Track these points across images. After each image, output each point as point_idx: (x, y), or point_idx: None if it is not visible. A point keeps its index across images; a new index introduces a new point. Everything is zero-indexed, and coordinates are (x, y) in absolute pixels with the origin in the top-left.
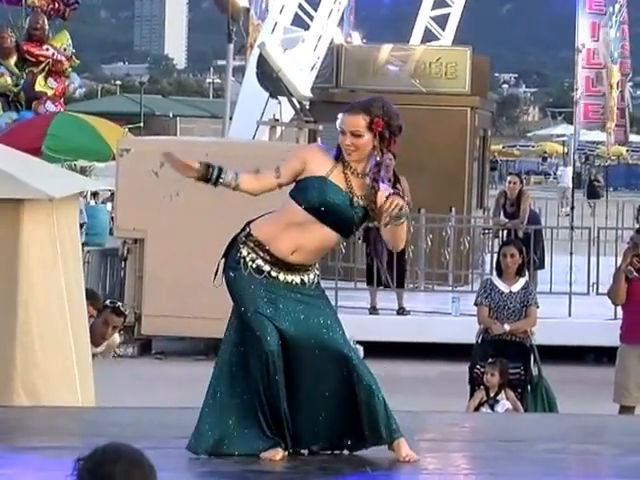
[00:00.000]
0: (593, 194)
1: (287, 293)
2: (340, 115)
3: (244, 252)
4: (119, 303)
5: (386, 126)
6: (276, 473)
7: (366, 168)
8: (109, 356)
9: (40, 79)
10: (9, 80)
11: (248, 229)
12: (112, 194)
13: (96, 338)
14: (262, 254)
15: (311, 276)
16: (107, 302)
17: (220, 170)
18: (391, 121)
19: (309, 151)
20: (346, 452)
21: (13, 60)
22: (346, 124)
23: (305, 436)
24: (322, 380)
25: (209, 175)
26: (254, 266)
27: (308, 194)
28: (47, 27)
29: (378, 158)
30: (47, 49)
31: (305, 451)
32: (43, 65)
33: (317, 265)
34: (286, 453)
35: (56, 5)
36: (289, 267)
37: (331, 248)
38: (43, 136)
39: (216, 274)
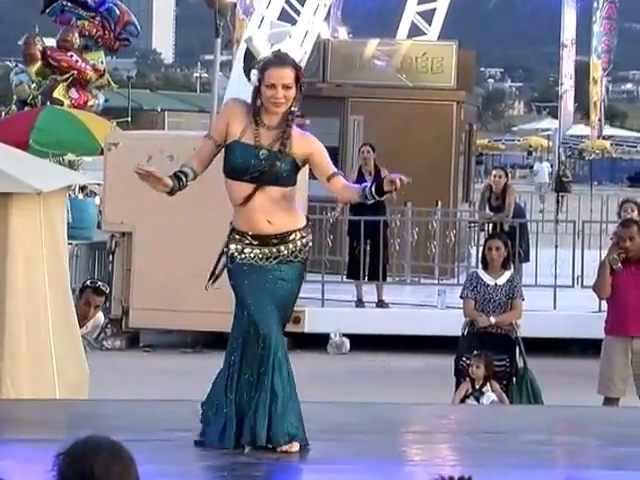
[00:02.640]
0: (561, 188)
1: (272, 275)
2: (267, 70)
3: (232, 248)
4: (99, 283)
5: (302, 80)
6: (264, 464)
7: (276, 120)
8: (95, 334)
9: (61, 87)
10: (27, 89)
11: (230, 227)
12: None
13: (79, 319)
14: (249, 241)
15: (304, 241)
16: (87, 282)
17: (184, 174)
18: (303, 75)
19: (232, 109)
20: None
21: (36, 66)
22: (278, 77)
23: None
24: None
25: (179, 185)
26: (243, 256)
27: (227, 167)
28: (78, 42)
29: (294, 108)
30: (71, 56)
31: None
32: (67, 75)
33: (308, 230)
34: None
35: (106, 34)
36: (280, 239)
37: (291, 199)
38: (30, 130)
39: (211, 277)
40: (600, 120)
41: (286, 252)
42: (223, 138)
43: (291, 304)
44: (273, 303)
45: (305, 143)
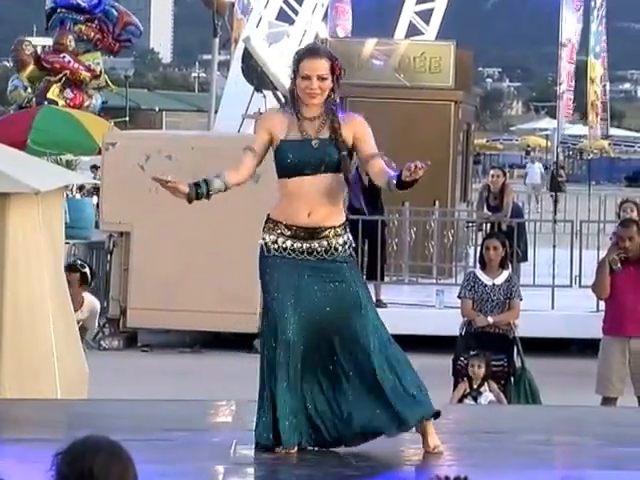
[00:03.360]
0: (555, 187)
1: (313, 273)
2: (301, 62)
3: (266, 238)
4: (79, 262)
5: (341, 70)
6: (265, 464)
7: (318, 111)
8: (94, 324)
9: (55, 88)
10: (23, 93)
11: (266, 217)
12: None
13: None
14: (281, 231)
15: (339, 241)
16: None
17: (207, 183)
18: (341, 65)
19: (267, 120)
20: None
21: (28, 71)
22: (312, 68)
23: (330, 430)
24: (342, 369)
25: (199, 193)
26: (276, 247)
27: (282, 167)
28: (73, 45)
29: (337, 99)
30: (64, 57)
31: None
32: (60, 76)
33: (345, 228)
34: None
35: (105, 37)
36: (312, 234)
37: (338, 194)
38: (28, 130)
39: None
40: (605, 120)
41: (320, 249)
42: (264, 149)
43: (361, 305)
44: (326, 305)
45: (349, 125)
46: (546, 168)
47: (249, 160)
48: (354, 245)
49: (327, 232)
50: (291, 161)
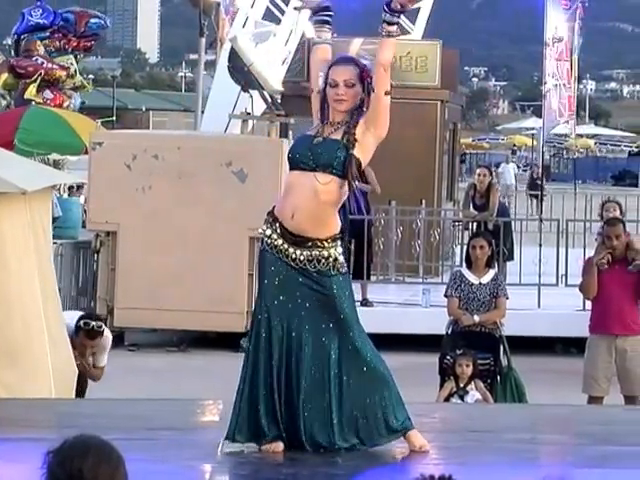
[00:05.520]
0: (534, 188)
1: (301, 280)
2: (330, 68)
3: (265, 230)
4: (93, 323)
5: (371, 78)
6: (250, 464)
7: (341, 117)
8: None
9: (32, 88)
10: (2, 102)
11: (272, 207)
12: (79, 187)
13: (77, 354)
14: (274, 227)
15: (324, 253)
16: (81, 323)
17: None
18: (372, 75)
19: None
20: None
21: (3, 79)
22: (339, 75)
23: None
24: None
25: None
26: (269, 242)
27: (288, 159)
28: (42, 50)
29: (365, 109)
30: (36, 59)
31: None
32: (36, 76)
33: (336, 243)
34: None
35: (70, 41)
36: (296, 241)
37: (328, 201)
38: (15, 130)
39: None
40: (576, 118)
41: (301, 257)
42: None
43: (342, 318)
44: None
45: (361, 125)
46: (530, 168)
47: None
48: (342, 261)
49: (310, 243)
50: (291, 153)
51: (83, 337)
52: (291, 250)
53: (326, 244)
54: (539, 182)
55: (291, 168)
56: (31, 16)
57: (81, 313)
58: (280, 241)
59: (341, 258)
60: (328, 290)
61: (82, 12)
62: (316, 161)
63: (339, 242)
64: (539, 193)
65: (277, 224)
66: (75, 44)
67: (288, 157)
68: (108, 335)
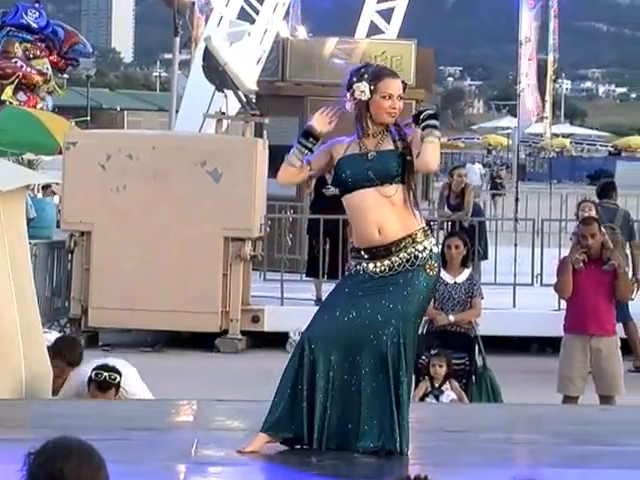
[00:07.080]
0: (494, 187)
1: (374, 286)
2: (382, 80)
3: (351, 264)
4: (105, 374)
5: (405, 91)
6: (226, 464)
7: (381, 128)
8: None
9: (8, 89)
10: None
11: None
12: (48, 186)
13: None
14: (362, 255)
15: (419, 247)
16: (92, 374)
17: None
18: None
19: (331, 146)
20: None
21: None
22: (394, 88)
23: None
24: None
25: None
26: (358, 268)
27: (340, 183)
28: (20, 52)
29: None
30: (16, 62)
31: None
32: (13, 78)
33: (425, 233)
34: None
35: (51, 54)
36: (389, 251)
37: (405, 202)
38: None
39: None
40: (549, 118)
41: (400, 261)
42: (317, 172)
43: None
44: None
45: (409, 136)
46: (508, 167)
47: (305, 171)
48: (436, 250)
49: (404, 242)
50: (346, 176)
51: (94, 389)
52: (387, 262)
53: (419, 237)
54: (499, 181)
55: (350, 191)
56: (26, 14)
57: (75, 338)
58: (371, 265)
59: (435, 249)
60: (411, 283)
61: (72, 32)
62: (378, 176)
63: (429, 232)
64: (499, 192)
65: (363, 252)
66: (55, 61)
67: (344, 182)
68: (129, 389)
